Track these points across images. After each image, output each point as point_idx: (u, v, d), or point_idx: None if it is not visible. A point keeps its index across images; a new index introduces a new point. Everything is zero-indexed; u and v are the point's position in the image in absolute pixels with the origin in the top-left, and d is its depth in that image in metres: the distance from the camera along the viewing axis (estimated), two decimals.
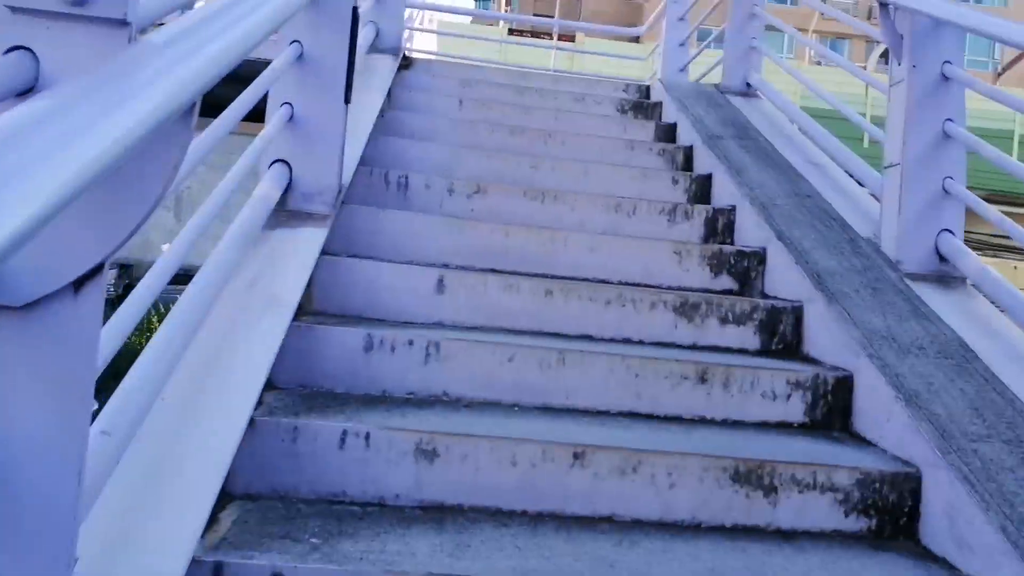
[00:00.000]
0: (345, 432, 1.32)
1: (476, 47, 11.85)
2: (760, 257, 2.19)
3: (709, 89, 3.58)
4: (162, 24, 0.79)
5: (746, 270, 2.19)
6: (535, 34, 21.36)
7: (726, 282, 2.18)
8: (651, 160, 2.93)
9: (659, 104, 3.51)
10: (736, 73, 3.56)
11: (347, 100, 1.96)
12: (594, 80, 3.75)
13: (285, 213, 1.87)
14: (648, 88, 3.81)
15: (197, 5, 0.89)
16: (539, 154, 2.86)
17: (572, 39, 20.39)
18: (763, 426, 1.65)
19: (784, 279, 2.09)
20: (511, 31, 18.30)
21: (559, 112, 3.22)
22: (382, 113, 2.82)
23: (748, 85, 3.55)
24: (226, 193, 1.59)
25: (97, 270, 0.67)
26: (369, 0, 3.40)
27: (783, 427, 1.66)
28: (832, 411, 1.68)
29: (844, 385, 1.68)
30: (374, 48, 3.39)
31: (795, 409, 1.67)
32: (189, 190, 4.76)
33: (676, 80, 4.12)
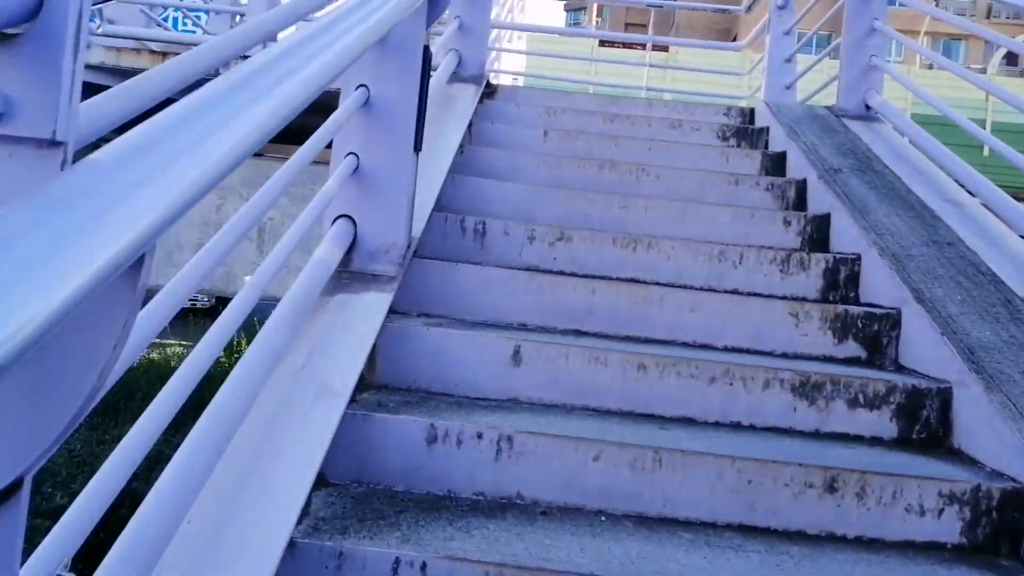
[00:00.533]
0: (398, 561, 1.11)
1: (566, 66, 11.68)
2: (893, 320, 1.86)
3: (822, 112, 3.22)
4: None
5: (876, 336, 1.86)
6: (627, 45, 21.00)
7: (852, 349, 1.86)
8: (758, 197, 2.63)
9: (765, 130, 3.19)
10: (853, 94, 3.19)
11: (418, 148, 1.78)
12: (691, 104, 3.46)
13: (348, 275, 1.69)
14: (752, 111, 3.48)
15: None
16: (630, 191, 2.61)
17: (665, 49, 19.90)
18: (908, 547, 1.34)
19: (926, 351, 1.75)
20: (602, 43, 18.00)
21: (653, 142, 2.96)
22: (461, 149, 2.63)
23: (868, 107, 3.18)
24: (305, 226, 1.45)
25: (14, 488, 0.48)
26: (451, 27, 3.24)
27: (934, 549, 1.35)
28: (999, 533, 1.35)
29: (1014, 500, 1.35)
30: (456, 77, 3.22)
31: (949, 528, 1.35)
32: (272, 221, 4.76)
33: (783, 102, 3.78)
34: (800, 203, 2.62)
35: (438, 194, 2.27)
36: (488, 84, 3.39)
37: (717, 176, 2.67)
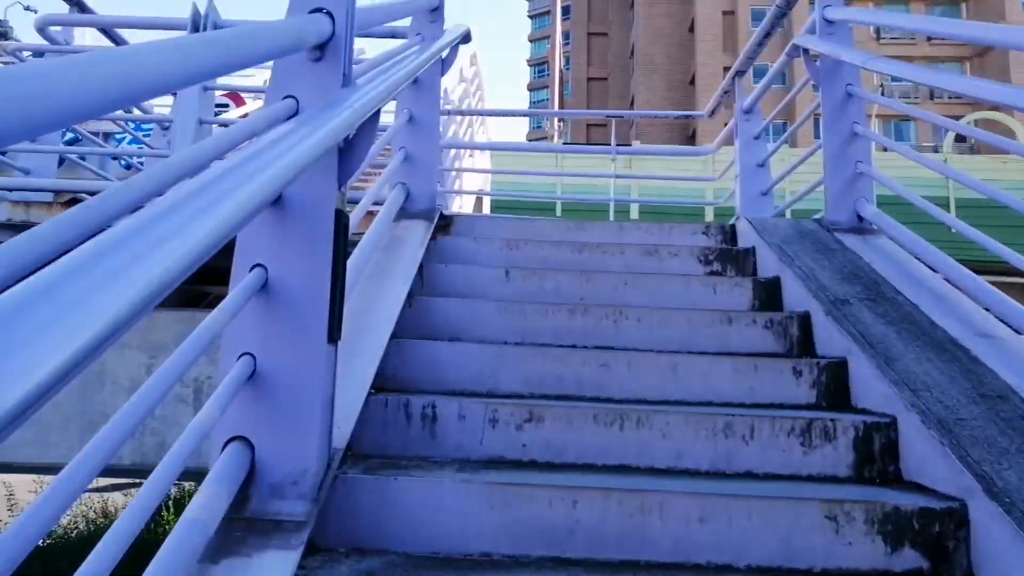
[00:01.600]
0: None
1: (530, 176, 11.64)
2: (959, 518, 1.45)
3: (811, 227, 2.92)
4: None
5: (939, 539, 1.44)
6: (590, 143, 21.42)
7: (911, 559, 1.44)
8: (757, 338, 2.26)
9: (751, 251, 2.87)
10: (843, 204, 2.90)
11: (333, 339, 1.38)
12: (665, 224, 3.15)
13: (242, 523, 1.26)
14: (733, 229, 3.17)
15: None
16: (609, 341, 2.23)
17: (627, 144, 20.09)
18: None
19: (1011, 558, 1.34)
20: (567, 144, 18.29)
21: (629, 275, 2.61)
22: (410, 301, 2.26)
23: (860, 218, 2.88)
24: (186, 452, 1.05)
25: None
26: (396, 159, 2.93)
27: None
28: None
29: None
30: (404, 213, 2.89)
31: None
32: (209, 380, 4.32)
33: (764, 216, 3.50)
34: (806, 343, 2.25)
35: (378, 367, 1.87)
36: (442, 217, 3.06)
37: (707, 315, 2.30)
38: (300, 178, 1.17)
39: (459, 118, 5.72)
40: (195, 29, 3.47)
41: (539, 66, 64.81)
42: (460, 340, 2.19)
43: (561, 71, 37.36)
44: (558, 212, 15.48)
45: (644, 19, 36.92)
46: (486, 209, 9.55)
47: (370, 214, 2.87)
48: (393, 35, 3.39)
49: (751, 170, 4.06)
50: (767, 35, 3.77)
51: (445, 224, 3.08)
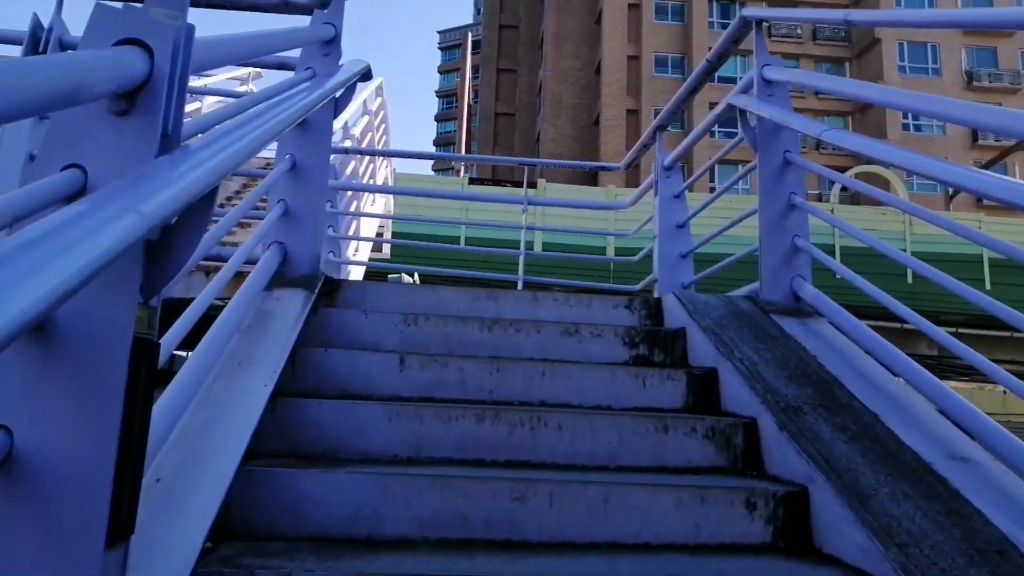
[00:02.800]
0: None
1: (437, 210, 11.20)
2: None
3: (745, 307, 2.63)
4: None
5: None
6: (496, 182, 21.19)
7: None
8: (696, 450, 1.91)
9: (680, 333, 2.54)
10: (779, 283, 2.63)
11: (117, 539, 0.91)
12: (585, 296, 2.79)
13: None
14: (659, 304, 2.85)
15: None
16: (524, 455, 1.83)
17: (533, 186, 20.17)
18: None
19: None
20: (472, 180, 17.97)
21: (547, 364, 2.22)
22: (273, 405, 1.78)
23: (797, 298, 2.62)
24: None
25: None
26: (273, 214, 2.45)
27: None
28: None
29: None
30: (279, 280, 2.40)
31: None
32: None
33: (689, 290, 3.22)
34: (752, 455, 1.92)
35: (221, 508, 1.39)
36: (327, 282, 2.59)
37: (639, 421, 1.93)
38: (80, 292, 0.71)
39: (359, 155, 5.26)
40: (34, 46, 2.88)
41: (447, 98, 64.88)
42: (336, 460, 1.73)
43: (470, 105, 37.37)
44: (462, 243, 15.13)
45: (552, 59, 37.51)
46: (386, 251, 9.05)
47: (241, 275, 2.38)
48: (281, 66, 2.92)
49: (670, 231, 3.80)
50: (693, 91, 3.54)
51: (331, 290, 2.61)
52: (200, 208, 1.00)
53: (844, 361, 2.22)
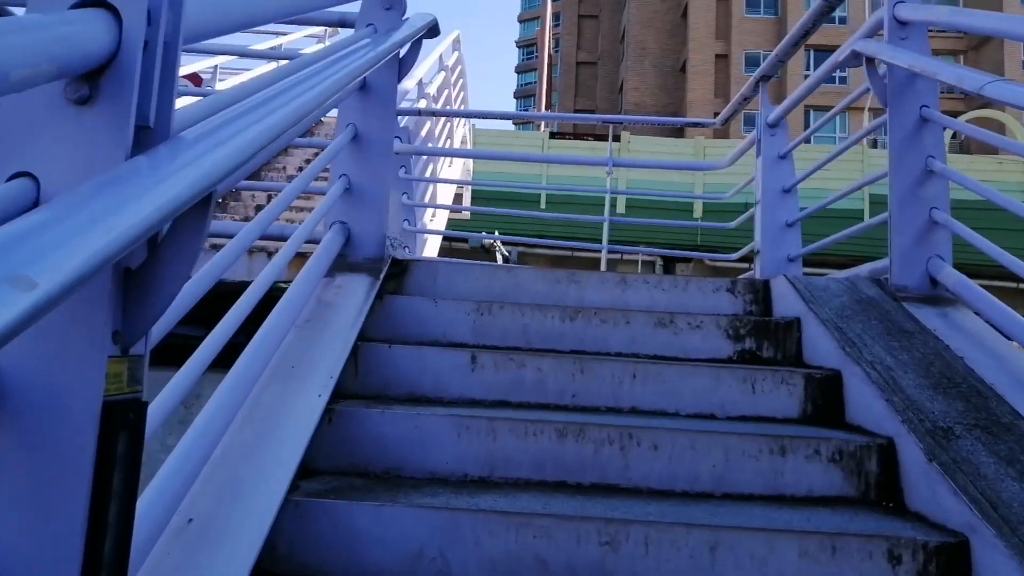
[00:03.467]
0: None
1: (516, 169, 10.84)
2: None
3: (870, 291, 2.25)
4: None
5: None
6: (578, 135, 20.57)
7: None
8: (819, 477, 1.59)
9: (794, 325, 2.19)
10: (913, 264, 2.24)
11: None
12: (680, 278, 2.47)
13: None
14: (766, 287, 2.49)
15: None
16: (614, 479, 1.58)
17: (617, 138, 19.53)
18: None
19: None
20: (553, 135, 17.46)
21: (637, 362, 1.93)
22: (329, 415, 1.58)
23: (934, 282, 2.22)
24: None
25: None
26: (333, 190, 2.23)
27: None
28: None
29: None
30: (342, 264, 2.19)
31: None
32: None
33: (796, 265, 2.85)
34: (888, 488, 1.59)
35: (263, 545, 1.20)
36: (394, 264, 2.36)
37: (748, 440, 1.62)
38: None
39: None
40: None
41: (528, 48, 63.65)
42: (399, 481, 1.51)
43: (550, 54, 36.44)
44: (543, 204, 14.75)
45: (635, 3, 36.01)
46: (467, 200, 8.81)
47: (302, 256, 2.18)
48: (342, 22, 2.66)
49: (775, 197, 3.39)
50: (805, 34, 3.09)
51: (398, 273, 2.38)
52: (192, 221, 0.76)
53: (999, 364, 1.84)
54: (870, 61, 2.38)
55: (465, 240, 13.60)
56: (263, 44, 5.99)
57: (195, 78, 7.78)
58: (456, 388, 1.86)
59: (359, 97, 2.30)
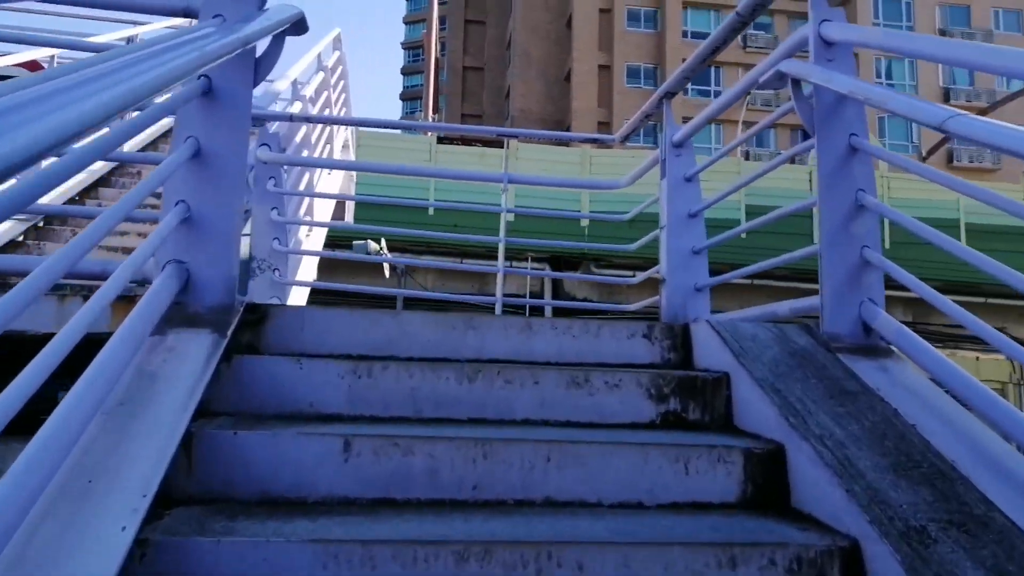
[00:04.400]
0: None
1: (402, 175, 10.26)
2: None
3: (800, 340, 2.02)
4: None
5: None
6: (466, 141, 20.25)
7: None
8: None
9: (722, 381, 1.91)
10: (844, 309, 2.02)
11: None
12: (591, 321, 2.15)
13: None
14: (685, 332, 2.22)
15: None
16: None
17: (501, 144, 19.31)
18: None
19: None
20: (441, 139, 17.04)
21: (552, 443, 1.58)
22: (141, 547, 1.13)
23: (867, 329, 2.01)
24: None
25: None
26: (167, 220, 1.75)
27: None
28: None
29: None
30: (178, 316, 1.72)
31: None
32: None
33: (706, 302, 2.63)
34: None
35: None
36: (249, 309, 1.91)
37: (692, 552, 1.31)
38: None
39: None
40: None
41: (414, 50, 62.82)
42: None
43: (437, 58, 35.96)
44: (431, 212, 14.31)
45: (521, 10, 36.15)
46: (349, 216, 8.24)
47: (132, 300, 1.70)
48: (188, 12, 2.17)
49: (681, 222, 3.17)
50: (714, 51, 2.87)
51: (255, 320, 1.93)
52: None
53: (954, 433, 1.63)
54: (796, 83, 2.16)
55: (350, 240, 12.96)
56: (110, 35, 5.24)
57: (33, 64, 6.87)
58: (324, 485, 1.44)
59: (202, 104, 1.84)
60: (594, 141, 3.98)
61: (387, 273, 13.20)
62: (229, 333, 1.71)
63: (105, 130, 1.25)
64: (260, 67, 1.94)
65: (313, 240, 4.39)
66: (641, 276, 3.88)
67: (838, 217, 2.06)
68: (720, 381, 1.90)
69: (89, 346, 1.44)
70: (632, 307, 4.10)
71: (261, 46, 1.89)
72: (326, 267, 7.35)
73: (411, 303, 13.68)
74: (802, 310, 2.31)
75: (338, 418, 1.70)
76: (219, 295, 1.78)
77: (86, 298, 2.15)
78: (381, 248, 11.78)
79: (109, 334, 1.54)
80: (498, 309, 4.20)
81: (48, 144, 0.91)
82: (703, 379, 1.91)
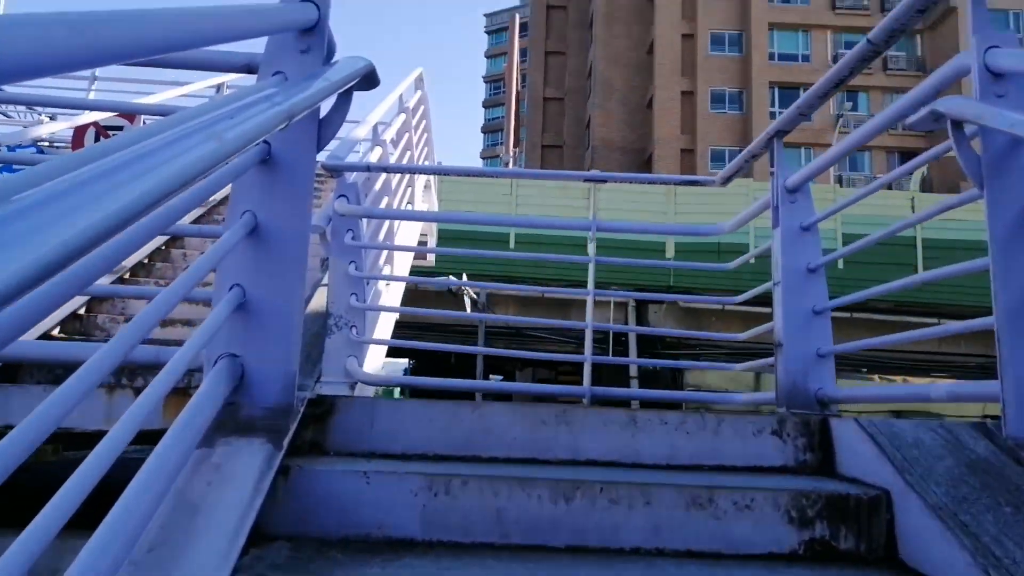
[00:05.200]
0: None
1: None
2: None
3: (978, 447, 1.61)
4: None
5: None
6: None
7: None
8: None
9: (880, 502, 1.53)
10: None
11: None
12: (708, 418, 1.81)
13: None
14: (824, 428, 1.84)
15: None
16: None
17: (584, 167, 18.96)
18: None
19: None
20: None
21: None
22: None
23: None
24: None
25: None
26: (220, 307, 1.54)
27: None
28: None
29: None
30: (229, 420, 1.49)
31: None
32: None
33: (830, 371, 2.26)
34: None
35: None
36: (312, 404, 1.67)
37: None
38: None
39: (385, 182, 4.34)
40: None
41: (495, 83, 63.79)
42: None
43: (518, 91, 36.21)
44: (511, 244, 14.16)
45: (602, 40, 36.03)
46: (432, 242, 8.10)
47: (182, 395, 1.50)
48: (250, 68, 1.99)
49: (799, 278, 2.79)
50: (839, 83, 2.51)
51: (319, 415, 1.68)
52: None
53: None
54: (957, 125, 1.78)
55: (431, 274, 12.94)
56: (154, 97, 5.24)
57: (130, 117, 7.06)
58: None
59: (260, 173, 1.63)
60: (693, 183, 3.63)
61: (468, 308, 13.08)
62: (286, 443, 1.46)
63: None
64: (324, 129, 1.72)
65: (392, 292, 4.20)
66: (749, 333, 3.50)
67: (1020, 290, 1.66)
68: (879, 501, 1.52)
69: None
70: (742, 336, 3.71)
71: (326, 105, 1.67)
72: (409, 297, 7.18)
73: (491, 341, 13.46)
74: (968, 397, 1.90)
75: (411, 545, 1.42)
76: (276, 395, 1.54)
77: (137, 391, 1.97)
78: (463, 287, 11.68)
79: (163, 432, 1.32)
80: (587, 346, 3.85)
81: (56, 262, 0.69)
82: (857, 498, 1.53)
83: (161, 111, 3.34)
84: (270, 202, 1.62)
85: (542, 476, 1.50)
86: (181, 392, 1.71)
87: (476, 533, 1.45)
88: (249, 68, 1.87)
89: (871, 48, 2.27)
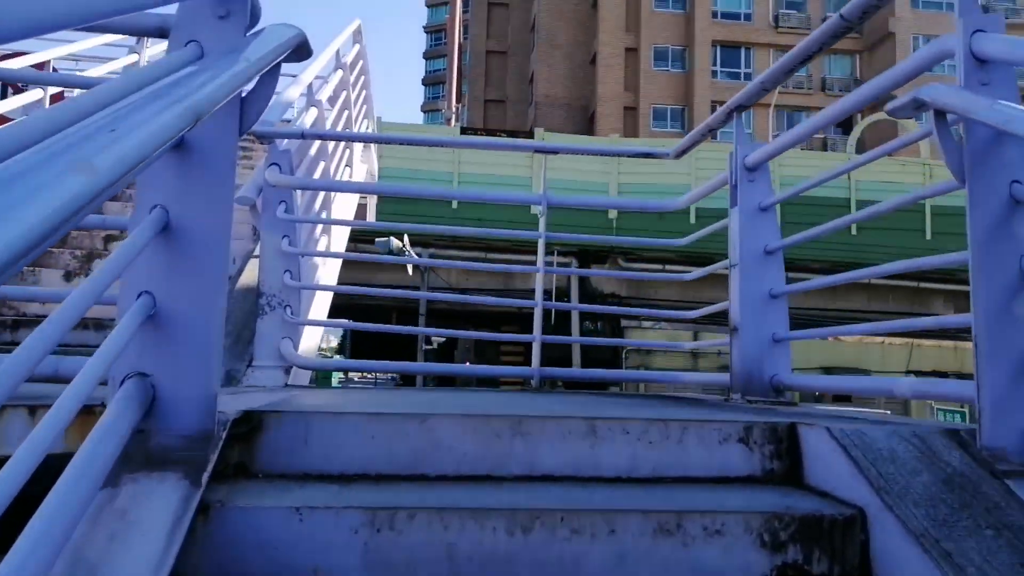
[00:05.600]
0: None
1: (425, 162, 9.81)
2: None
3: (952, 459, 1.54)
4: None
5: None
6: (489, 131, 19.73)
7: None
8: None
9: (854, 522, 1.43)
10: (1010, 415, 1.54)
11: None
12: (672, 428, 1.69)
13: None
14: (792, 435, 1.74)
15: None
16: None
17: (530, 134, 18.84)
18: None
19: None
20: (464, 130, 16.57)
21: None
22: None
23: None
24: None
25: None
26: (127, 320, 1.32)
27: None
28: None
29: None
30: (138, 453, 1.29)
31: None
32: None
33: (786, 355, 2.14)
34: None
35: None
36: (237, 423, 1.48)
37: None
38: None
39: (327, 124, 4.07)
40: None
41: (436, 33, 62.06)
42: None
43: (460, 42, 35.31)
44: (454, 204, 13.89)
45: None
46: (372, 203, 7.79)
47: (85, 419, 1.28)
48: (162, 32, 1.72)
49: (756, 259, 2.71)
50: (806, 59, 2.38)
51: (247, 433, 1.50)
52: None
53: None
54: (940, 115, 1.67)
55: (372, 238, 12.60)
56: (48, 53, 4.74)
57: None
58: None
59: (172, 160, 1.40)
60: (647, 156, 3.49)
61: (410, 271, 12.82)
62: (205, 478, 1.27)
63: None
64: (248, 107, 1.50)
65: (330, 267, 3.97)
66: (698, 272, 3.42)
67: (999, 291, 1.58)
68: (853, 521, 1.44)
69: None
70: (692, 314, 3.65)
71: (247, 84, 1.44)
72: (347, 263, 6.91)
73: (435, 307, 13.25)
74: (934, 395, 1.84)
75: None
76: (194, 420, 1.35)
77: (32, 412, 1.74)
78: (404, 246, 11.38)
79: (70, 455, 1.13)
80: (537, 326, 3.73)
81: None
82: (832, 519, 1.44)
83: (50, 80, 3.00)
84: (184, 195, 1.40)
85: (496, 505, 1.36)
86: (87, 411, 1.49)
87: (424, 573, 1.30)
88: (162, 32, 1.61)
89: (844, 24, 2.14)
